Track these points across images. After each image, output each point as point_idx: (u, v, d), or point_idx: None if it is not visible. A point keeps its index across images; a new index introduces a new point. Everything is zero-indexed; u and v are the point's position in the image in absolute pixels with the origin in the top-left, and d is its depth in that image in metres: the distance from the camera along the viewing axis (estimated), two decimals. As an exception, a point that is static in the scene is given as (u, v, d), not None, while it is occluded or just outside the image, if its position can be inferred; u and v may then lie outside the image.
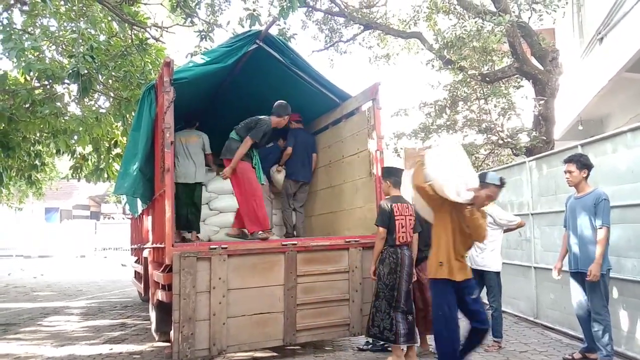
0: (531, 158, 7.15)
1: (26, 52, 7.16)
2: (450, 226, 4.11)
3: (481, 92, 11.13)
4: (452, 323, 4.06)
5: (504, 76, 10.46)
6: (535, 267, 6.74)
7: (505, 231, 5.87)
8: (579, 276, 4.84)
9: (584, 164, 4.84)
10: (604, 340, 4.57)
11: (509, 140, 10.48)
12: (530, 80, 9.89)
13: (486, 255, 5.82)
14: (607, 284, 4.68)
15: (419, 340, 5.10)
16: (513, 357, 5.19)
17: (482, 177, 4.08)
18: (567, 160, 4.94)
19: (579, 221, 4.80)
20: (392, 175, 5.22)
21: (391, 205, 4.98)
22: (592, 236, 4.68)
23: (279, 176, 7.11)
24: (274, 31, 7.35)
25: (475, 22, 9.70)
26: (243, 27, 7.64)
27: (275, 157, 7.20)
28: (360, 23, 11.50)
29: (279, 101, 6.09)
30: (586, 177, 4.85)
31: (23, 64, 6.99)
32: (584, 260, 4.72)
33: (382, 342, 5.66)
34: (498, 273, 5.78)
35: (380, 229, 4.96)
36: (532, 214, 6.82)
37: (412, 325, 4.92)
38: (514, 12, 9.27)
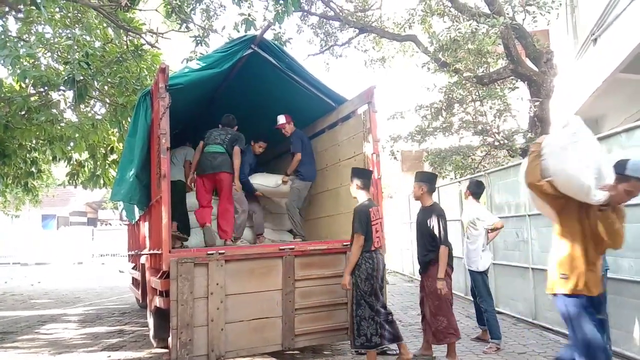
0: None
1: (21, 60, 7.14)
2: (579, 229, 3.36)
3: (476, 94, 11.18)
4: (598, 349, 3.23)
5: (499, 78, 10.49)
6: (532, 268, 6.74)
7: (491, 230, 5.97)
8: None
9: None
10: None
11: (505, 141, 10.52)
12: (526, 82, 9.92)
13: (468, 256, 5.89)
14: (606, 285, 4.68)
15: (403, 338, 5.04)
16: (512, 359, 5.19)
17: (620, 168, 3.26)
18: None
19: None
20: (360, 176, 5.11)
21: (368, 210, 4.90)
22: None
23: (285, 187, 6.86)
24: (269, 36, 7.38)
25: (470, 24, 9.74)
26: (238, 32, 7.62)
27: (250, 160, 7.01)
28: (355, 27, 11.53)
29: (227, 114, 6.48)
30: None
31: (18, 71, 6.98)
32: None
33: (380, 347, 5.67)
34: (482, 272, 5.81)
35: (361, 236, 4.84)
36: (529, 215, 6.83)
37: (394, 326, 4.92)
38: (508, 14, 9.31)
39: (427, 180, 5.37)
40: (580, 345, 3.28)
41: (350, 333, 4.96)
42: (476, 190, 6.12)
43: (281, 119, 6.90)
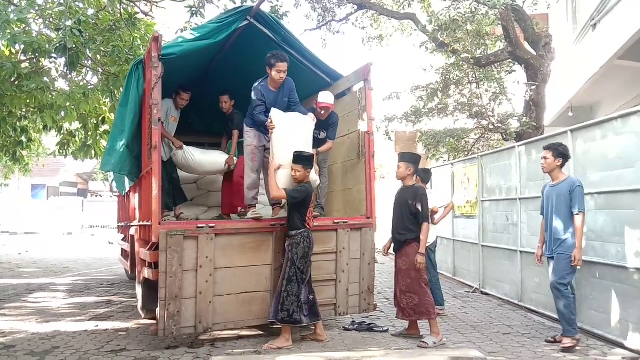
0: (520, 143, 7.17)
1: (11, 24, 6.96)
2: None
3: (473, 76, 11.11)
4: None
5: (496, 60, 10.42)
6: (521, 251, 6.80)
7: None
8: (556, 260, 4.98)
9: (560, 153, 5.00)
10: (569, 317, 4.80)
11: (499, 125, 10.50)
12: (523, 65, 9.86)
13: None
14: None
15: (322, 317, 5.15)
16: (496, 339, 5.25)
17: None
18: (545, 147, 5.12)
19: (556, 208, 4.94)
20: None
21: (311, 192, 5.03)
22: (569, 222, 4.84)
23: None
24: (265, 8, 7.24)
25: (470, 4, 9.63)
26: (234, 3, 7.50)
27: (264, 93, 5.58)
28: (354, 2, 11.34)
29: None
30: (561, 166, 5.00)
31: (8, 36, 6.81)
32: (561, 245, 4.87)
33: (367, 323, 5.73)
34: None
35: (283, 194, 4.94)
36: (519, 199, 6.86)
37: (315, 304, 5.02)
38: (509, -5, 9.19)
39: (415, 162, 5.47)
40: None
41: (273, 305, 4.95)
42: (424, 176, 6.75)
43: (329, 98, 5.85)
